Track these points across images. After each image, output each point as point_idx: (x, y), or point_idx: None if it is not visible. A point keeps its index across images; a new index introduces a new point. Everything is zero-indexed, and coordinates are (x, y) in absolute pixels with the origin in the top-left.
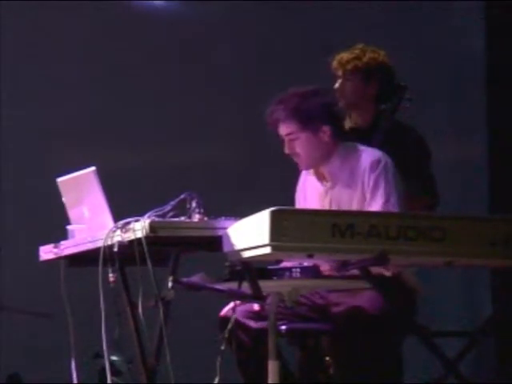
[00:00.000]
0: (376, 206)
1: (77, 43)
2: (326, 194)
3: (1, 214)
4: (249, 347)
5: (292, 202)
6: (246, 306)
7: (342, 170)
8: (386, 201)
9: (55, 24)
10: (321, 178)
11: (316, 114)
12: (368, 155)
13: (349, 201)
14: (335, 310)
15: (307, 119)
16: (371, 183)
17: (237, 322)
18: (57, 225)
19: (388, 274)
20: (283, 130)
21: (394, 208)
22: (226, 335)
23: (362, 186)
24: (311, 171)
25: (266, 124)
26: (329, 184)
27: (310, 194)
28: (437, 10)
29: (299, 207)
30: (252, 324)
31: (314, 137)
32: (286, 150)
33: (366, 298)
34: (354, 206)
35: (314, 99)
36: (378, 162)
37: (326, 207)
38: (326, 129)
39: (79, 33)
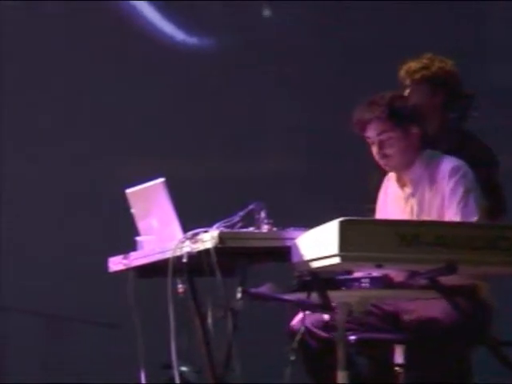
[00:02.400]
0: (452, 212)
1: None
2: (407, 201)
3: (72, 225)
4: (318, 357)
5: (358, 211)
6: (316, 316)
7: (423, 177)
8: (464, 207)
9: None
10: (402, 184)
11: (407, 114)
12: (448, 162)
13: (429, 208)
14: (406, 318)
15: (400, 119)
16: (449, 189)
17: (307, 330)
18: (126, 236)
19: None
20: (375, 130)
21: (471, 215)
22: (295, 346)
23: (441, 193)
24: (393, 177)
25: (352, 127)
26: (410, 191)
27: (391, 200)
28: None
29: (378, 214)
30: (322, 334)
31: (404, 138)
32: (376, 152)
33: (439, 309)
34: (434, 214)
35: (404, 101)
36: (458, 168)
37: (407, 214)
38: (416, 130)
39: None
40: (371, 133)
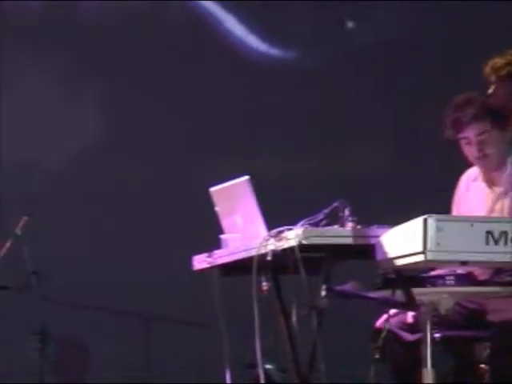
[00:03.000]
0: None
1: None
2: (498, 200)
3: (158, 224)
4: (402, 358)
5: (443, 208)
6: (400, 318)
7: None
8: None
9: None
10: (491, 183)
11: (501, 112)
12: None
13: None
14: (493, 317)
15: (496, 117)
16: None
17: (391, 332)
18: (210, 234)
19: None
20: (474, 130)
21: None
22: (380, 345)
23: None
24: (477, 176)
25: (444, 128)
26: (501, 189)
27: (475, 198)
28: None
29: (457, 213)
30: (406, 336)
31: (501, 136)
32: (474, 153)
33: None
34: None
35: (496, 99)
36: None
37: (497, 213)
38: (510, 129)
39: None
40: (470, 133)
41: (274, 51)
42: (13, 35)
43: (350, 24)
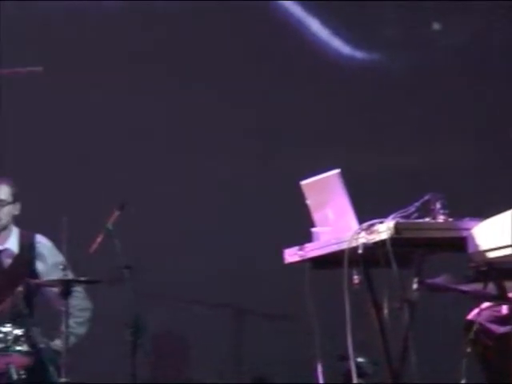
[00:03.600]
0: None
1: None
2: None
3: (244, 217)
4: (492, 350)
5: None
6: (491, 311)
7: None
8: None
9: None
10: None
11: None
12: None
13: None
14: None
15: None
16: None
17: (481, 327)
18: (301, 228)
19: None
20: None
21: None
22: (471, 338)
23: None
24: None
25: None
26: None
27: None
28: None
29: None
30: (496, 329)
31: None
32: None
33: None
34: None
35: None
36: None
37: None
38: None
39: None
40: None
41: (359, 53)
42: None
43: (437, 25)
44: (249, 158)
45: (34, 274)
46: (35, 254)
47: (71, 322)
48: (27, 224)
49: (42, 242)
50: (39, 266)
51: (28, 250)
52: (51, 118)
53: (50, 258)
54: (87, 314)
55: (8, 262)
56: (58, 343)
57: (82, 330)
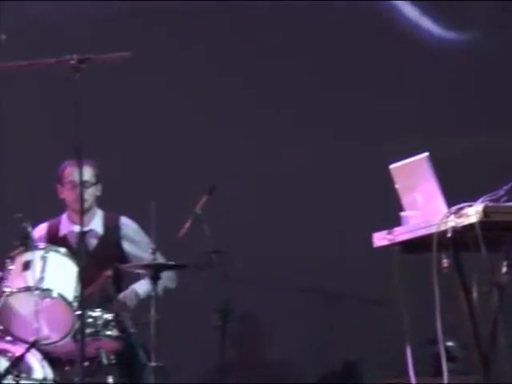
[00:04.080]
0: None
1: None
2: None
3: (332, 201)
4: None
5: None
6: None
7: None
8: None
9: None
10: None
11: None
12: None
13: None
14: None
15: None
16: None
17: None
18: (390, 211)
19: None
20: None
21: None
22: None
23: None
24: None
25: None
26: None
27: None
28: None
29: None
30: None
31: None
32: None
33: None
34: None
35: None
36: None
37: None
38: None
39: None
40: None
41: (449, 34)
42: None
43: None
44: (336, 143)
45: (122, 255)
46: (120, 234)
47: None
48: (116, 209)
49: (127, 224)
50: (126, 246)
51: (113, 231)
52: (142, 100)
53: (136, 238)
54: (170, 284)
55: (93, 243)
56: (121, 297)
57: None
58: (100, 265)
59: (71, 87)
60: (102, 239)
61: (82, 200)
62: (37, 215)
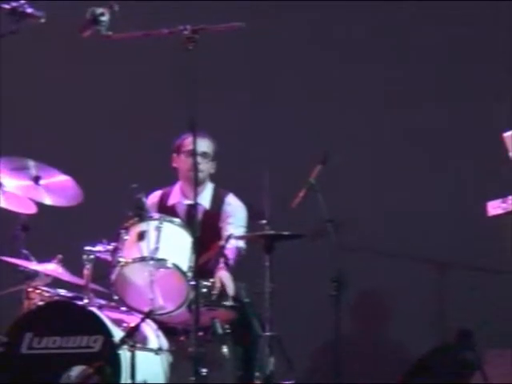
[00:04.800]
0: None
1: None
2: None
3: (444, 169)
4: None
5: None
6: None
7: None
8: None
9: None
10: None
11: None
12: None
13: None
14: None
15: None
16: None
17: None
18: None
19: None
20: None
21: None
22: None
23: None
24: None
25: None
26: None
27: None
28: None
29: None
30: None
31: None
32: None
33: None
34: None
35: None
36: None
37: None
38: None
39: None
40: None
41: None
42: None
43: None
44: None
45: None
46: (222, 211)
47: None
48: (230, 180)
49: (230, 202)
50: (225, 224)
51: (218, 206)
52: (259, 71)
53: (236, 218)
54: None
55: (199, 216)
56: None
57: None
58: (207, 237)
59: (186, 58)
60: (207, 214)
61: (195, 169)
62: (150, 186)
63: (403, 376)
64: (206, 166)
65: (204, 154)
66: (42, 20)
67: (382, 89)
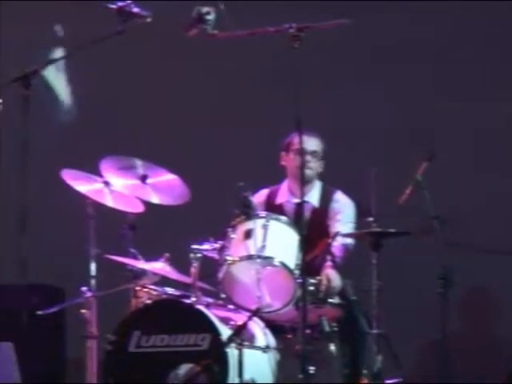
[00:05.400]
0: None
1: None
2: None
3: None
4: None
5: None
6: None
7: None
8: None
9: None
10: None
11: None
12: None
13: None
14: None
15: None
16: None
17: None
18: None
19: None
20: None
21: None
22: None
23: None
24: None
25: None
26: None
27: None
28: None
29: None
30: None
31: None
32: None
33: None
34: None
35: None
36: None
37: None
38: None
39: None
40: None
41: None
42: None
43: None
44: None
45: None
46: (330, 208)
47: None
48: (335, 177)
49: (341, 200)
50: (333, 222)
51: (326, 204)
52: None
53: (344, 215)
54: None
55: (307, 214)
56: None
57: None
58: (315, 235)
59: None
60: (316, 212)
61: (302, 167)
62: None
63: (507, 376)
64: (314, 165)
65: (313, 153)
66: (149, 19)
67: (491, 84)
